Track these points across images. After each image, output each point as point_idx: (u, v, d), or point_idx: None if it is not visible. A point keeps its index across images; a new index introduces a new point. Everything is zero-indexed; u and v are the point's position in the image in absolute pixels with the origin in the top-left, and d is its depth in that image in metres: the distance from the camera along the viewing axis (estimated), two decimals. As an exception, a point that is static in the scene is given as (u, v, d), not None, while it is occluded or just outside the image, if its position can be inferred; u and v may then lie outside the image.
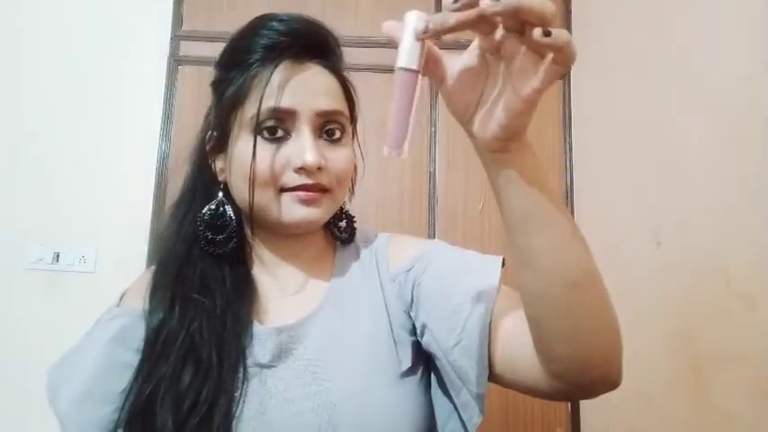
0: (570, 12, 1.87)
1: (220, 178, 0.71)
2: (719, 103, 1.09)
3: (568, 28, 1.86)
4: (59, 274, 1.69)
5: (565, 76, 1.84)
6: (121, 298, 0.70)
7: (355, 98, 0.73)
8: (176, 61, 1.81)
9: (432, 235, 1.77)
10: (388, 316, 0.69)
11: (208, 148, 0.72)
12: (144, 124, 1.77)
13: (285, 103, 0.64)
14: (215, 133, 0.70)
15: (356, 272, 0.75)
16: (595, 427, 1.63)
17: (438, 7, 1.85)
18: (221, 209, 0.70)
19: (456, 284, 0.64)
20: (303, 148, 0.63)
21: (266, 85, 0.63)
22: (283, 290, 0.71)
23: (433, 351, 0.64)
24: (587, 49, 1.77)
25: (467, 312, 0.61)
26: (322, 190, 0.66)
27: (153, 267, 0.70)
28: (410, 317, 0.69)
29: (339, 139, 0.68)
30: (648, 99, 1.35)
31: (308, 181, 0.64)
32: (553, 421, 1.71)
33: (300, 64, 0.65)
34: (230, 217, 0.69)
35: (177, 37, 1.83)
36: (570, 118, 1.83)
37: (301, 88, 0.65)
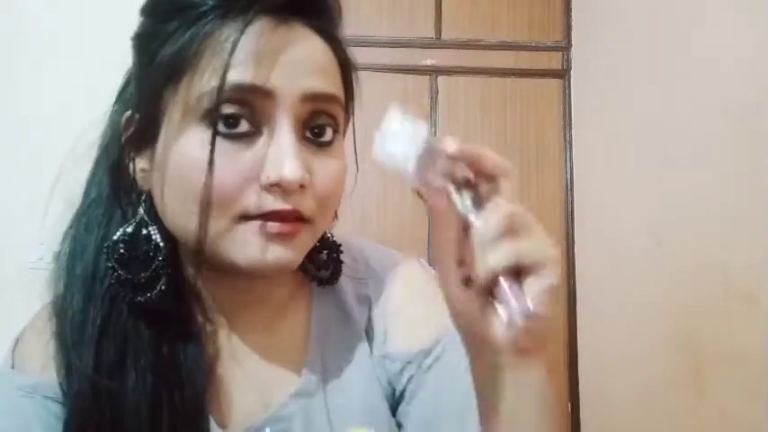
0: (570, 11, 1.86)
1: (142, 186, 0.47)
2: (720, 103, 1.09)
3: (568, 27, 1.86)
4: (59, 274, 1.69)
5: (565, 76, 1.84)
6: (14, 351, 0.49)
7: (356, 82, 0.52)
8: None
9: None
10: (382, 390, 0.53)
11: (124, 137, 0.48)
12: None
13: (261, 78, 0.41)
14: (136, 116, 0.47)
15: (340, 324, 0.55)
16: (595, 427, 1.63)
17: (438, 9, 1.85)
18: (144, 232, 0.46)
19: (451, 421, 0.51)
20: (281, 153, 0.42)
21: (232, 49, 0.41)
22: (245, 362, 0.51)
23: None
24: (587, 50, 1.77)
25: None
26: (301, 219, 0.44)
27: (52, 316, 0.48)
28: (392, 400, 0.54)
29: (330, 143, 0.46)
30: (649, 99, 1.35)
31: (284, 206, 0.42)
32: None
33: (283, 24, 0.44)
34: (156, 245, 0.46)
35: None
36: (570, 118, 1.83)
37: (284, 60, 0.43)
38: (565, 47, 1.85)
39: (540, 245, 0.35)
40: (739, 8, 1.05)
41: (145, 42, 0.46)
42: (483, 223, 0.35)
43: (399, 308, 0.55)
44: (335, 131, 0.47)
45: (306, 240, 0.46)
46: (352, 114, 0.52)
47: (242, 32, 0.41)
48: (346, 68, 0.49)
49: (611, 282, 1.53)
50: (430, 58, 1.84)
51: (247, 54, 0.41)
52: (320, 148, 0.45)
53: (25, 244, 1.75)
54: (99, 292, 0.46)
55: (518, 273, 0.35)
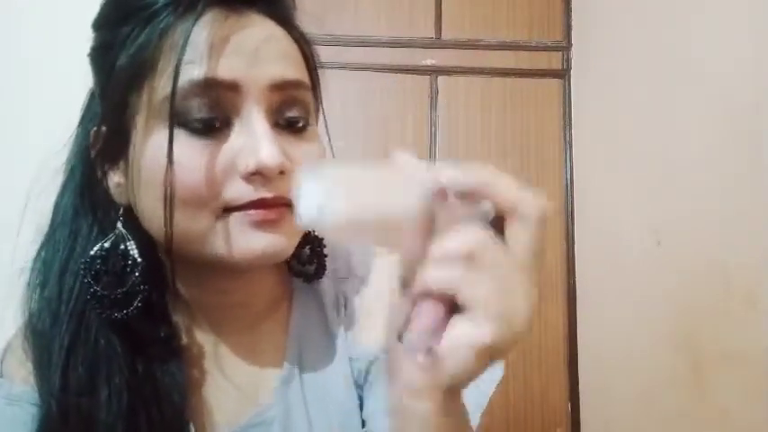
0: (570, 11, 1.86)
1: (118, 199, 0.46)
2: (720, 102, 1.09)
3: (568, 27, 1.86)
4: (59, 275, 1.69)
5: (565, 76, 1.84)
6: (2, 360, 0.50)
7: (318, 65, 0.50)
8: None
9: (432, 235, 1.77)
10: (355, 394, 0.52)
11: (93, 153, 0.47)
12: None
13: (222, 72, 0.41)
14: (103, 129, 0.46)
15: (320, 326, 0.54)
16: (595, 426, 1.63)
17: (438, 9, 1.85)
18: (122, 247, 0.46)
19: None
20: (256, 140, 0.41)
21: (184, 44, 0.40)
22: (228, 366, 0.50)
23: None
24: (587, 50, 1.77)
25: None
26: (285, 204, 0.43)
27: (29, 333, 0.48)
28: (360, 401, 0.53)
29: (303, 129, 0.46)
30: (649, 98, 1.35)
31: (267, 194, 0.42)
32: (553, 421, 1.71)
33: (238, 14, 0.43)
34: (134, 260, 0.45)
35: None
36: (570, 118, 1.83)
37: (244, 49, 0.42)
38: (565, 47, 1.85)
39: (492, 292, 0.29)
40: (739, 8, 1.05)
41: (102, 54, 0.45)
42: (447, 239, 0.30)
43: (369, 307, 0.54)
44: (308, 117, 0.46)
45: (293, 226, 0.44)
46: (320, 100, 0.51)
47: (193, 25, 0.40)
48: (307, 53, 0.48)
49: (611, 282, 1.53)
50: (430, 58, 1.84)
51: (202, 48, 0.41)
52: (295, 134, 0.45)
53: (25, 244, 1.75)
54: (65, 312, 0.46)
55: (453, 310, 0.30)
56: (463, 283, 0.29)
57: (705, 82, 1.14)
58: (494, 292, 0.29)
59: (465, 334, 0.29)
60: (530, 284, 0.30)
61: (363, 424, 0.52)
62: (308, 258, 0.53)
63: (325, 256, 0.54)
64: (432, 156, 1.81)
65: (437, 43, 1.85)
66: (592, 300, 1.65)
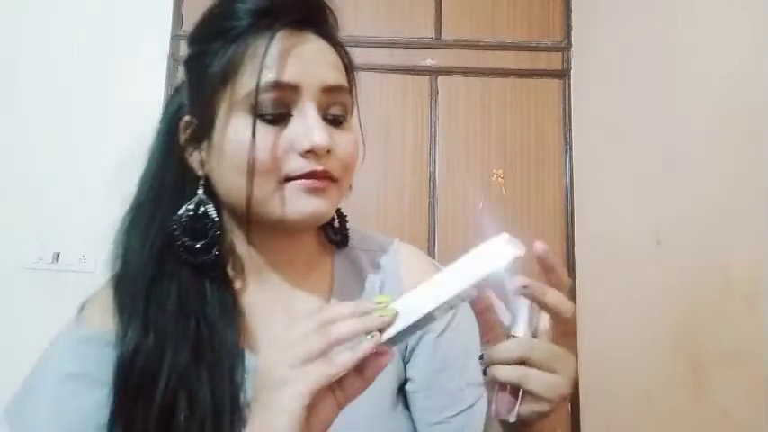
0: (570, 11, 1.86)
1: (199, 173, 0.60)
2: (720, 102, 1.09)
3: (568, 27, 1.86)
4: (59, 274, 1.69)
5: (565, 76, 1.84)
6: (81, 311, 0.60)
7: (355, 76, 0.64)
8: (176, 61, 1.81)
9: (432, 235, 1.77)
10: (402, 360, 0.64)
11: (183, 138, 0.61)
12: (144, 124, 1.77)
13: (288, 76, 0.55)
14: (194, 119, 0.60)
15: (358, 287, 0.66)
16: (595, 427, 1.63)
17: (438, 9, 1.85)
18: (201, 209, 0.59)
19: (462, 367, 0.63)
20: (310, 127, 0.55)
21: (264, 55, 0.54)
22: (276, 307, 0.62)
23: (412, 410, 0.64)
24: (587, 50, 1.77)
25: (467, 403, 0.62)
26: (330, 178, 0.57)
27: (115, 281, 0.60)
28: (403, 361, 0.65)
29: (343, 122, 0.60)
30: (648, 98, 1.35)
31: (317, 167, 0.55)
32: (553, 421, 1.71)
33: (299, 33, 0.57)
34: (212, 219, 0.59)
35: (177, 37, 1.83)
36: (570, 118, 1.83)
37: (304, 60, 0.56)
38: (565, 47, 1.86)
39: (546, 382, 0.46)
40: (739, 8, 1.05)
41: (196, 62, 0.59)
42: (512, 342, 0.47)
43: (410, 276, 0.66)
44: (346, 114, 0.60)
45: (334, 195, 0.58)
46: (356, 102, 0.64)
47: (270, 42, 0.55)
48: (347, 63, 0.62)
49: (611, 282, 1.53)
50: (430, 58, 1.84)
51: (274, 58, 0.55)
52: (336, 126, 0.59)
53: (25, 244, 1.75)
54: (150, 258, 0.58)
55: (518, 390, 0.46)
56: (521, 379, 0.46)
57: (705, 82, 1.14)
58: (542, 381, 0.46)
59: (530, 408, 0.47)
60: (567, 363, 0.47)
61: (400, 389, 0.64)
62: (336, 229, 0.68)
63: (347, 229, 0.69)
64: (432, 156, 1.81)
65: (437, 43, 1.85)
66: (592, 300, 1.65)
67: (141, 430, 0.52)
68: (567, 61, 1.85)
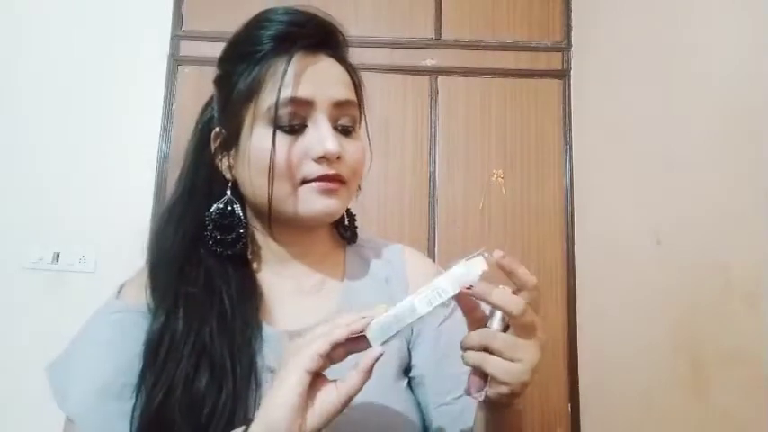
0: (570, 12, 1.87)
1: (228, 176, 0.69)
2: (720, 102, 1.09)
3: (568, 28, 1.86)
4: (59, 274, 1.69)
5: (565, 77, 1.84)
6: (120, 291, 0.68)
7: (363, 91, 0.73)
8: (176, 61, 1.81)
9: (432, 235, 1.77)
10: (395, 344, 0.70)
11: (214, 146, 0.70)
12: (144, 124, 1.77)
13: (303, 92, 0.64)
14: (223, 130, 0.69)
15: (367, 278, 0.75)
16: (595, 426, 1.63)
17: (438, 9, 1.85)
18: (229, 208, 0.69)
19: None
20: (322, 137, 0.63)
21: (283, 75, 0.63)
22: (293, 289, 0.71)
23: (416, 392, 0.71)
24: (587, 50, 1.77)
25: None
26: (340, 181, 0.66)
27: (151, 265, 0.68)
28: (408, 346, 0.72)
29: (351, 132, 0.68)
30: (648, 98, 1.35)
31: (329, 171, 0.64)
32: (553, 421, 1.71)
33: (313, 55, 0.66)
34: (239, 216, 0.69)
35: (177, 37, 1.83)
36: (570, 118, 1.83)
37: (317, 78, 0.65)
38: (565, 47, 1.86)
39: (503, 367, 0.51)
40: (739, 8, 1.05)
41: (225, 81, 0.69)
42: (477, 332, 0.54)
43: (414, 266, 0.76)
44: (354, 125, 0.69)
45: (344, 196, 0.68)
46: (364, 114, 0.73)
47: (288, 63, 0.64)
48: (356, 80, 0.71)
49: (611, 282, 1.53)
50: (430, 59, 1.84)
51: (292, 78, 0.64)
52: (346, 136, 0.68)
53: (25, 244, 1.75)
54: (182, 246, 0.67)
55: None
56: (482, 363, 0.52)
57: (705, 82, 1.14)
58: (500, 366, 0.51)
59: (495, 390, 0.52)
60: (527, 352, 0.52)
61: (407, 372, 0.72)
62: (346, 226, 0.78)
63: (356, 226, 0.79)
64: (432, 156, 1.81)
65: (437, 43, 1.85)
66: (592, 300, 1.65)
67: (167, 392, 0.57)
68: (567, 61, 1.85)
